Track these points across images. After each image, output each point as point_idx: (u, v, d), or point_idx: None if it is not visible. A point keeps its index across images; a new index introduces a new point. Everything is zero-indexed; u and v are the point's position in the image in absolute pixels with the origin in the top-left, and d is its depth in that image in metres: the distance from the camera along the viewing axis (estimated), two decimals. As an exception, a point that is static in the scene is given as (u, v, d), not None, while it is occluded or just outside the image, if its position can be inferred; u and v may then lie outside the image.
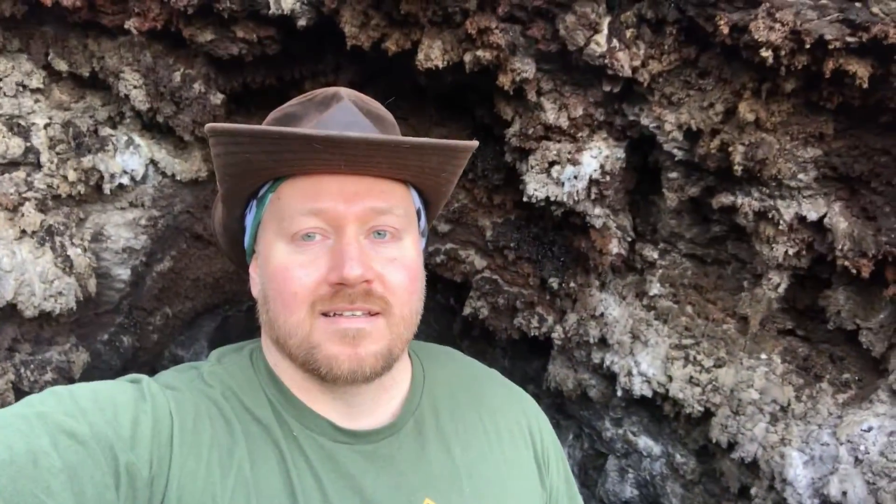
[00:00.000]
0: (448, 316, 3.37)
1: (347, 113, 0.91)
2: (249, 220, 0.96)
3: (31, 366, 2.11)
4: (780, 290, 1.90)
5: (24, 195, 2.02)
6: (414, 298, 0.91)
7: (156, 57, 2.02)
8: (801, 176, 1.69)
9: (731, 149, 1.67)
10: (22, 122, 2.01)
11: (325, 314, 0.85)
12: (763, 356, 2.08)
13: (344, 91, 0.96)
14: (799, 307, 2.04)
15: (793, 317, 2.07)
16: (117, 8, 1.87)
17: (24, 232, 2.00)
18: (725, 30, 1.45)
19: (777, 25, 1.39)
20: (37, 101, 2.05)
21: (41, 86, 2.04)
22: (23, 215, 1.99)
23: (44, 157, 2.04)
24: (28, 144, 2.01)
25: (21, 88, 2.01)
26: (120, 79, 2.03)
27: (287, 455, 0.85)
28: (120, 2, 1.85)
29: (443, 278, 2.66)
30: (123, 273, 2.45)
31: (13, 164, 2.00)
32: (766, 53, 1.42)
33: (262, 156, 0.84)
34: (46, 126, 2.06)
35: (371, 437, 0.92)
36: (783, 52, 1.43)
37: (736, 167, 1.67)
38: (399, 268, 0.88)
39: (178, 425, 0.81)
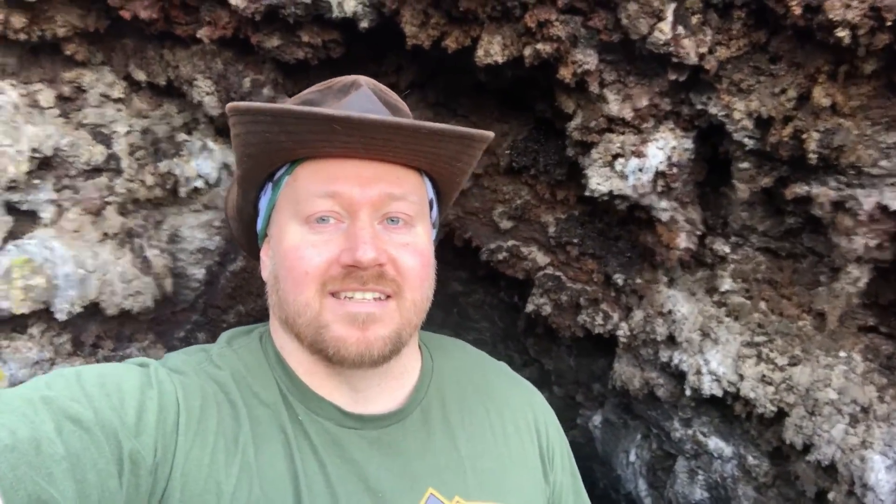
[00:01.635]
0: (512, 314, 3.36)
1: (366, 100, 0.92)
2: (264, 204, 0.96)
3: (114, 361, 2.22)
4: (861, 284, 1.81)
5: (106, 199, 2.12)
6: (425, 285, 0.91)
7: (226, 64, 2.09)
8: (882, 163, 1.61)
9: (805, 136, 1.60)
10: (104, 131, 2.12)
11: (335, 295, 0.85)
12: (842, 354, 1.99)
13: (363, 79, 0.97)
14: (882, 302, 1.94)
15: (875, 312, 1.97)
16: (190, 18, 1.95)
17: (105, 234, 2.11)
18: (798, 11, 1.40)
19: (854, 3, 1.33)
20: (118, 110, 2.15)
21: (122, 96, 2.14)
22: (105, 218, 2.10)
23: (124, 163, 2.14)
24: (110, 151, 2.12)
25: (104, 99, 2.12)
26: (193, 86, 2.12)
27: (292, 439, 0.85)
28: (192, 12, 1.93)
29: (506, 276, 2.65)
30: (198, 273, 2.54)
31: (96, 171, 2.11)
32: (842, 33, 1.35)
33: (282, 136, 0.84)
34: (127, 133, 2.17)
35: (377, 423, 0.92)
36: (861, 32, 1.36)
37: (811, 155, 1.60)
38: (412, 252, 0.88)
39: (185, 412, 0.81)
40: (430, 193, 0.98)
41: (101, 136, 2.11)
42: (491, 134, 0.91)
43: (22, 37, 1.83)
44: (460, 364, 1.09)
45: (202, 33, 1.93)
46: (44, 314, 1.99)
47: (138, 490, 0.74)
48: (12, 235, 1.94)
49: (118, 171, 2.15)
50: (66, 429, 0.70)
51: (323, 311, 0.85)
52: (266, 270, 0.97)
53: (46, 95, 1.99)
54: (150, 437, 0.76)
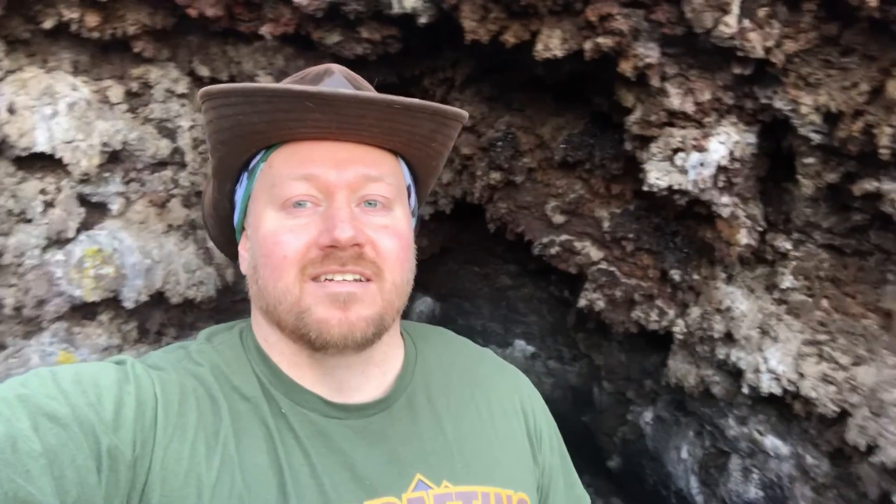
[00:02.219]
0: (561, 308, 3.35)
1: (338, 85, 0.91)
2: (240, 195, 0.95)
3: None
4: (932, 282, 1.76)
5: (170, 192, 2.19)
6: (405, 267, 0.90)
7: (287, 60, 2.13)
8: (958, 158, 1.56)
9: (876, 131, 1.55)
10: (169, 125, 2.19)
11: (316, 279, 0.83)
12: (911, 354, 1.93)
13: (335, 66, 0.96)
14: (953, 302, 1.88)
15: (946, 312, 1.91)
16: (253, 15, 1.99)
17: (170, 226, 2.18)
18: (874, 3, 1.36)
19: (934, -5, 1.28)
20: (182, 105, 2.22)
21: (186, 91, 2.20)
22: (169, 210, 2.17)
23: (188, 157, 2.21)
24: (175, 145, 2.18)
25: (169, 94, 2.18)
26: (255, 82, 2.17)
27: (274, 432, 0.84)
28: (255, 9, 1.97)
29: (556, 270, 2.64)
30: (256, 264, 2.60)
31: (161, 164, 2.18)
32: (920, 26, 1.31)
33: (254, 116, 0.83)
34: (190, 128, 2.23)
35: (362, 412, 0.90)
36: (940, 24, 1.32)
37: (882, 150, 1.56)
38: (391, 234, 0.87)
39: (163, 406, 0.80)
40: (408, 179, 0.97)
41: (167, 130, 2.18)
42: (465, 114, 0.89)
43: (95, 35, 1.89)
44: (444, 350, 1.07)
45: (265, 30, 1.97)
46: (112, 302, 2.07)
47: (118, 485, 0.73)
48: (84, 226, 2.02)
49: (182, 165, 2.22)
50: (43, 426, 0.69)
51: (303, 295, 0.83)
52: (244, 263, 0.95)
53: (116, 91, 2.06)
54: (128, 431, 0.75)
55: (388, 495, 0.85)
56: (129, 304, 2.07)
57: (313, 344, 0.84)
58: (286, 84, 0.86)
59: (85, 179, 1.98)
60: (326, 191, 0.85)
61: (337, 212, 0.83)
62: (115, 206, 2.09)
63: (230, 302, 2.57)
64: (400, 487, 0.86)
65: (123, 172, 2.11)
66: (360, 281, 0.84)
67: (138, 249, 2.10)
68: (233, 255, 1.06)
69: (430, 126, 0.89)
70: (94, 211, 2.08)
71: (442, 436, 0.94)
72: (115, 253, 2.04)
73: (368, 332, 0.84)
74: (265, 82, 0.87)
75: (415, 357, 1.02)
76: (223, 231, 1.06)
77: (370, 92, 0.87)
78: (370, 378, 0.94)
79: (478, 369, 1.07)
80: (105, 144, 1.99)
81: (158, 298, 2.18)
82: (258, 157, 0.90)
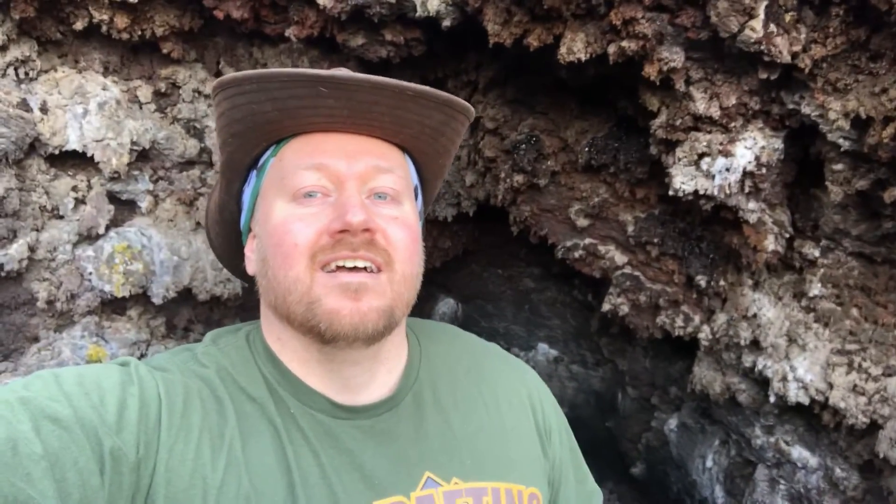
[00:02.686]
0: (585, 312, 3.32)
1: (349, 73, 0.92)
2: (247, 195, 0.95)
3: (203, 345, 2.34)
4: (966, 293, 1.70)
5: (198, 191, 2.23)
6: (415, 260, 0.89)
7: (312, 62, 2.15)
8: None
9: (907, 137, 1.51)
10: (197, 125, 2.23)
11: (326, 268, 0.82)
12: (943, 367, 1.88)
13: (344, 69, 0.96)
14: None
15: (981, 324, 1.85)
16: (279, 17, 2.01)
17: (198, 224, 2.22)
18: (903, 7, 1.32)
19: (967, -2, 1.24)
20: (209, 105, 2.25)
21: (213, 91, 2.24)
22: (197, 209, 2.21)
23: (215, 157, 2.24)
24: (202, 145, 2.22)
25: (197, 94, 2.22)
26: (276, 79, 2.19)
27: (282, 432, 0.83)
28: (281, 12, 1.99)
29: (580, 273, 2.62)
30: (281, 263, 2.64)
31: (189, 163, 2.22)
32: (952, 30, 1.27)
33: (267, 104, 0.83)
34: (217, 128, 2.27)
35: (369, 412, 0.90)
36: (974, 28, 1.28)
37: (913, 157, 1.52)
38: (401, 225, 0.87)
39: (167, 408, 0.79)
40: (415, 179, 0.97)
41: (194, 130, 2.22)
42: (472, 109, 0.89)
43: (124, 36, 1.94)
44: (449, 347, 1.07)
45: (290, 32, 2.00)
46: (141, 298, 2.12)
47: (121, 487, 0.72)
48: (113, 223, 2.07)
49: (209, 164, 2.25)
50: (45, 428, 0.69)
51: (314, 285, 0.82)
52: (251, 264, 0.94)
53: (145, 91, 2.10)
54: (131, 433, 0.75)
55: (398, 494, 0.85)
56: (157, 300, 2.11)
57: (323, 336, 0.82)
58: (298, 69, 0.88)
59: (115, 177, 2.03)
60: (337, 181, 0.85)
61: (348, 199, 0.83)
62: (144, 203, 2.14)
63: (256, 300, 2.60)
64: (409, 486, 0.86)
65: (152, 171, 2.15)
66: (371, 272, 0.83)
67: (167, 246, 2.15)
68: (234, 267, 1.06)
69: (440, 118, 0.89)
70: (124, 208, 2.13)
71: (450, 432, 0.94)
72: (143, 249, 2.09)
73: (380, 325, 0.83)
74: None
75: (419, 354, 1.01)
76: (227, 237, 1.05)
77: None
78: (376, 376, 0.93)
79: (483, 364, 1.07)
80: (134, 143, 2.03)
81: (186, 295, 2.22)
82: (268, 153, 0.91)
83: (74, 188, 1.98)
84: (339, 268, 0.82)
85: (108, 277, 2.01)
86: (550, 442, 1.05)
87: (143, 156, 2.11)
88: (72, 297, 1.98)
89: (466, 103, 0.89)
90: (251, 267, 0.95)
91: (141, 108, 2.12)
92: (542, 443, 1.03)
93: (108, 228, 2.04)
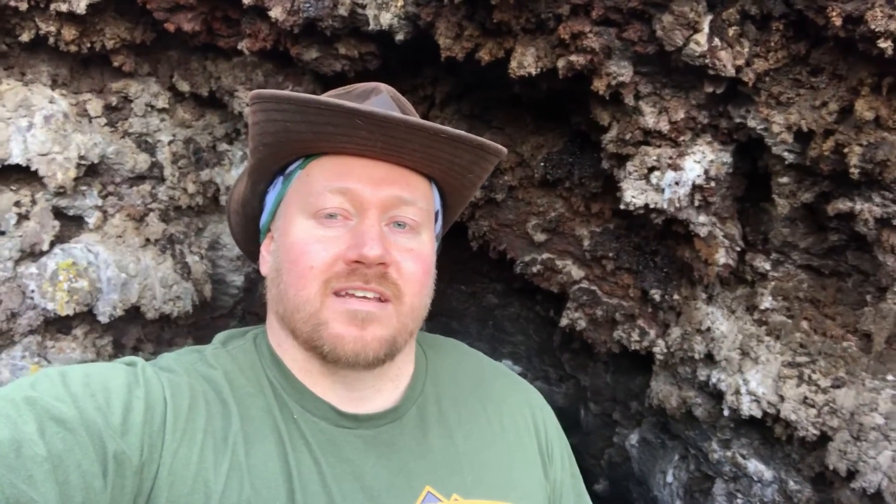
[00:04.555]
0: (548, 328, 3.32)
1: (385, 104, 0.93)
2: (271, 197, 0.97)
3: (153, 364, 2.28)
4: (909, 304, 1.74)
5: (148, 206, 2.19)
6: (424, 292, 0.91)
7: (266, 76, 2.14)
8: (931, 179, 1.54)
9: (846, 150, 1.55)
10: (149, 140, 2.19)
11: (338, 294, 0.84)
12: (890, 377, 1.90)
13: (383, 86, 0.98)
14: (933, 324, 1.85)
15: (925, 335, 1.88)
16: (231, 31, 2.00)
17: (148, 240, 2.17)
18: (838, 22, 1.36)
19: (897, 14, 1.28)
20: (162, 119, 2.22)
21: (166, 106, 2.21)
22: (147, 224, 2.17)
23: (167, 172, 2.21)
24: (154, 160, 2.19)
25: (149, 109, 2.19)
26: (235, 97, 2.17)
27: (286, 438, 0.84)
28: (234, 24, 1.98)
29: (542, 289, 2.62)
30: (237, 279, 2.60)
31: (140, 178, 2.18)
32: (884, 44, 1.30)
33: (303, 125, 0.84)
34: (170, 143, 2.23)
35: (373, 422, 0.91)
36: (905, 43, 1.31)
37: (853, 170, 1.55)
38: (415, 258, 0.89)
39: (172, 411, 0.80)
40: (437, 205, 0.98)
41: (146, 144, 2.18)
42: (504, 150, 0.91)
43: (73, 48, 1.90)
44: (456, 362, 1.08)
45: (243, 45, 1.98)
46: (87, 316, 2.06)
47: (123, 490, 0.73)
48: (59, 239, 2.01)
49: (161, 179, 2.22)
50: (50, 429, 0.69)
51: (323, 308, 0.84)
52: (266, 265, 0.96)
53: (95, 105, 2.07)
54: (136, 436, 0.75)
55: None
56: (103, 319, 2.06)
57: (325, 357, 0.85)
58: (338, 99, 0.88)
59: (61, 192, 1.98)
60: (359, 206, 0.86)
61: (368, 229, 0.84)
62: (92, 219, 2.09)
63: (209, 318, 2.55)
64: (408, 499, 0.87)
65: (101, 186, 2.11)
66: (380, 301, 0.85)
67: (114, 263, 2.10)
68: (251, 253, 1.08)
69: (470, 158, 0.90)
70: (71, 224, 2.07)
71: (452, 448, 0.94)
72: (89, 266, 2.03)
73: (381, 353, 0.85)
74: (308, 94, 0.88)
75: (426, 368, 1.02)
76: (247, 229, 1.08)
77: (417, 118, 0.89)
78: (382, 391, 0.95)
79: (489, 382, 1.07)
80: (82, 157, 1.99)
81: (134, 313, 2.16)
82: (296, 164, 0.92)
83: (17, 203, 1.92)
84: (349, 294, 0.84)
85: (52, 295, 1.95)
86: (552, 464, 1.06)
87: (91, 170, 2.07)
88: (12, 316, 1.92)
89: (499, 146, 0.91)
90: (264, 268, 0.97)
91: (90, 121, 2.08)
92: (543, 464, 1.04)
93: (52, 245, 1.99)
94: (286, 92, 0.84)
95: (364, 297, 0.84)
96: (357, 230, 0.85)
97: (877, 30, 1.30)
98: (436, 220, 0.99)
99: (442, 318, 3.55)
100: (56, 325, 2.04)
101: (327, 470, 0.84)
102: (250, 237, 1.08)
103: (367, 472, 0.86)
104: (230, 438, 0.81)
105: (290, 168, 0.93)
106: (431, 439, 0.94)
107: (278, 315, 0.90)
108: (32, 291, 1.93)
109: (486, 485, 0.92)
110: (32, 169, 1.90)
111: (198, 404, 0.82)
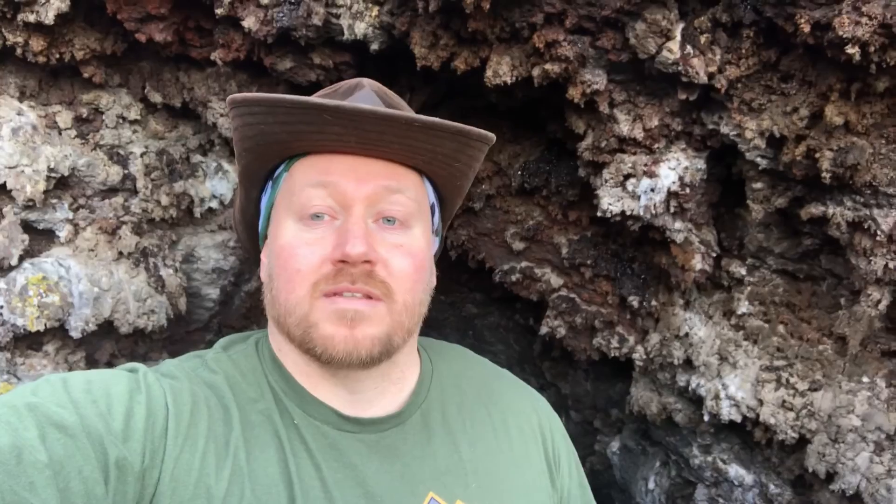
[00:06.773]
0: (528, 336, 3.32)
1: (368, 99, 0.91)
2: (264, 203, 0.96)
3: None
4: (882, 307, 1.76)
5: (121, 219, 2.15)
6: (418, 288, 0.88)
7: (240, 86, 2.12)
8: (900, 182, 1.57)
9: (818, 155, 1.57)
10: (121, 152, 2.16)
11: (327, 296, 0.83)
12: (865, 379, 1.93)
13: (367, 80, 0.96)
14: (905, 326, 1.88)
15: (899, 337, 1.91)
16: (204, 41, 1.98)
17: (121, 253, 2.13)
18: (807, 28, 1.38)
19: (864, 20, 1.30)
20: (134, 131, 2.19)
21: (138, 117, 2.18)
22: (120, 238, 2.13)
23: (140, 184, 2.17)
24: (126, 172, 2.15)
25: (121, 120, 2.16)
26: (208, 108, 2.15)
27: (286, 443, 0.83)
28: (206, 35, 1.96)
29: (521, 297, 2.62)
30: (213, 292, 2.56)
31: (112, 191, 2.14)
32: (852, 50, 1.33)
33: (276, 127, 0.83)
34: (143, 154, 2.20)
35: (376, 426, 0.89)
36: (872, 49, 1.33)
37: (824, 175, 1.57)
38: (404, 254, 0.86)
39: (174, 416, 0.79)
40: (432, 197, 0.96)
41: (118, 156, 2.15)
42: (492, 136, 0.88)
43: (41, 60, 1.87)
44: (461, 368, 1.06)
45: (216, 55, 1.96)
46: (59, 332, 2.02)
47: (125, 497, 0.72)
48: (28, 254, 1.97)
49: (134, 192, 2.18)
50: (51, 436, 0.69)
51: (312, 311, 0.83)
52: (263, 270, 0.96)
53: (65, 117, 2.03)
54: (137, 442, 0.75)
55: None
56: (75, 334, 2.01)
57: (319, 358, 0.84)
58: (311, 97, 0.86)
59: (30, 206, 1.94)
60: (344, 202, 0.85)
61: (351, 227, 0.83)
62: (63, 232, 2.05)
63: (184, 332, 2.52)
64: None
65: (72, 199, 2.07)
66: (370, 299, 0.83)
67: (86, 277, 2.06)
68: (259, 261, 1.06)
69: (452, 146, 0.87)
70: (41, 238, 2.03)
71: (456, 454, 0.93)
72: (60, 281, 1.99)
73: (374, 352, 0.83)
74: (290, 95, 0.86)
75: (430, 373, 1.00)
76: (251, 238, 1.07)
77: (392, 109, 0.86)
78: (384, 393, 0.93)
79: (495, 389, 1.06)
80: (52, 170, 1.95)
81: (108, 328, 2.12)
82: (282, 167, 0.91)
83: (-15, 217, 1.88)
84: (337, 294, 0.83)
85: (22, 311, 1.91)
86: (559, 472, 1.04)
87: (62, 183, 2.03)
88: (-19, 332, 1.87)
89: (483, 132, 0.87)
90: (262, 273, 0.96)
91: (60, 133, 2.05)
92: (550, 472, 1.02)
93: (21, 259, 1.95)
94: (258, 94, 0.83)
95: (352, 297, 0.83)
96: (342, 229, 0.84)
97: (844, 36, 1.32)
98: (432, 213, 0.96)
99: (422, 328, 3.54)
100: (26, 341, 1.99)
101: (329, 475, 0.83)
102: (255, 245, 1.07)
103: (369, 477, 0.85)
104: (232, 444, 0.81)
105: (277, 171, 0.92)
106: (435, 445, 0.92)
107: (274, 319, 0.90)
108: (1, 307, 1.89)
109: (490, 491, 0.91)
110: (0, 182, 1.86)
111: (199, 410, 0.82)
